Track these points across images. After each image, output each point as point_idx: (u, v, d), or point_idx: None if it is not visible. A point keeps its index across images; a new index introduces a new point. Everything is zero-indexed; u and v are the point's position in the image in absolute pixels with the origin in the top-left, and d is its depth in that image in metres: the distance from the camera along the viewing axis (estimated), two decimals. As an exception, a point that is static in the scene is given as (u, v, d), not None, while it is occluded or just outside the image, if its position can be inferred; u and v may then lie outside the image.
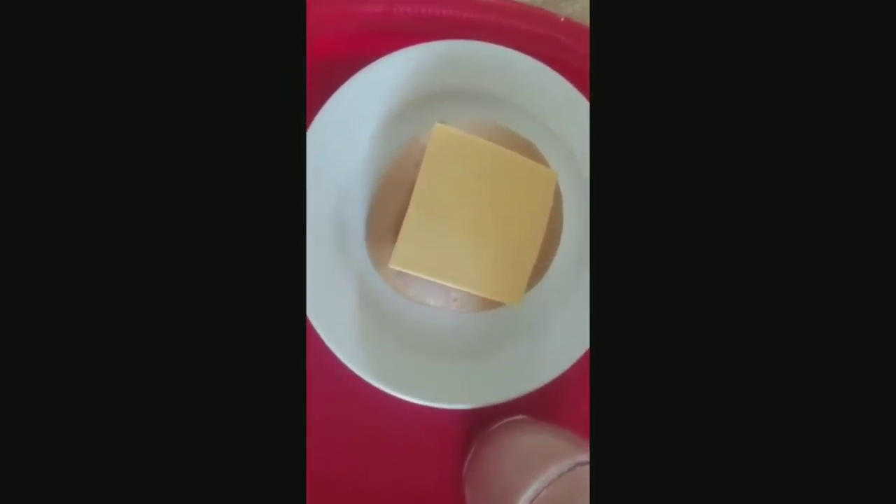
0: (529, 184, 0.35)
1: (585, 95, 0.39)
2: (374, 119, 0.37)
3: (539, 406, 0.38)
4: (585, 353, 0.38)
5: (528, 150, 0.36)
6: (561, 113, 0.39)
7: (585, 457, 0.29)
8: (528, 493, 0.28)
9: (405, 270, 0.33)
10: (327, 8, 0.36)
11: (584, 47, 0.40)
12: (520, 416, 0.38)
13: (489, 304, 0.35)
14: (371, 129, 0.37)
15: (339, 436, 0.37)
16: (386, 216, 0.35)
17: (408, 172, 0.35)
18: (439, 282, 0.34)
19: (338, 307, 0.36)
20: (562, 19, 0.40)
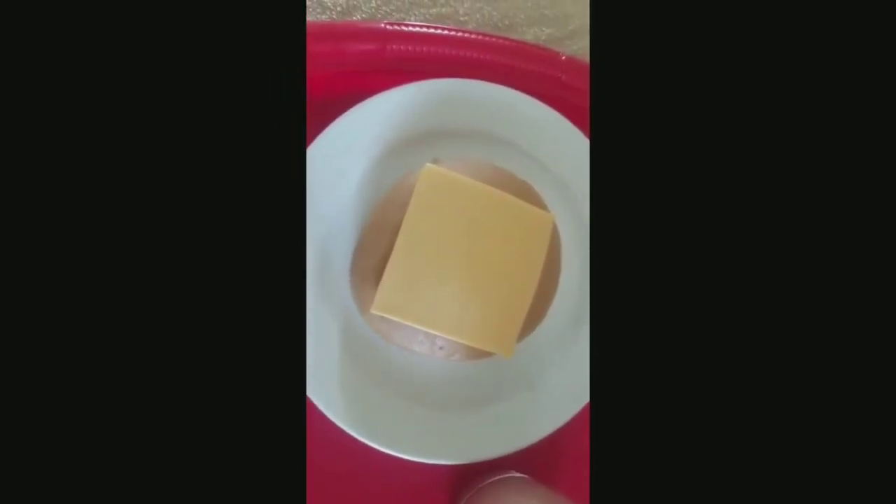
0: (523, 227, 0.33)
1: (587, 135, 0.37)
2: (365, 158, 0.37)
3: (534, 462, 0.36)
4: (585, 408, 0.35)
5: (524, 192, 0.35)
6: (561, 153, 0.38)
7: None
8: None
9: (387, 316, 0.32)
10: (319, 46, 0.36)
11: (587, 85, 0.39)
12: (513, 474, 0.36)
13: (478, 354, 0.33)
14: (361, 167, 0.37)
15: (320, 486, 0.35)
16: (372, 258, 0.34)
17: (396, 213, 0.33)
18: (423, 329, 0.32)
19: (319, 351, 0.34)
20: (563, 58, 0.38)
